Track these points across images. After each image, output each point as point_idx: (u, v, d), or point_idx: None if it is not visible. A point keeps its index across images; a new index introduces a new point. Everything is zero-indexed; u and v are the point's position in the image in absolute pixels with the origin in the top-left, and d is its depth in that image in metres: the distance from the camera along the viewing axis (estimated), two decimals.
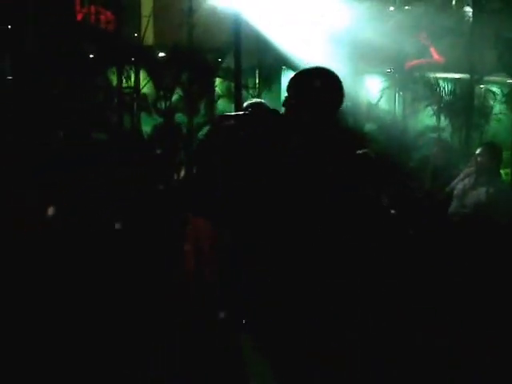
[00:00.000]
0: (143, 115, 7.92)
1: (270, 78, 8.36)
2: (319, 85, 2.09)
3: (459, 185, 4.15)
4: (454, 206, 4.11)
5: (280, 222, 2.07)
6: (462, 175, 4.22)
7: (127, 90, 7.53)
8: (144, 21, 7.31)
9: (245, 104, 3.17)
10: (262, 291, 2.10)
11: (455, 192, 4.16)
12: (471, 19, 7.98)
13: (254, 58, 7.84)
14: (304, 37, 7.60)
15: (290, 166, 2.06)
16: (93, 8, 7.36)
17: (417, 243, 3.79)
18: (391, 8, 7.81)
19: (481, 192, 3.90)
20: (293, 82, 2.14)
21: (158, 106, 7.72)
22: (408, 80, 8.50)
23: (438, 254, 3.72)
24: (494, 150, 4.03)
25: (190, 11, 7.05)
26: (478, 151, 4.07)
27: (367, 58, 8.26)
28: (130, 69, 7.42)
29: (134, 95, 7.40)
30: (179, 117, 7.84)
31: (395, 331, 2.99)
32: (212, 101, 7.73)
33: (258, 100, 3.40)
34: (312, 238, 2.03)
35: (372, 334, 2.22)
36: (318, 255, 2.03)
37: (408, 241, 3.82)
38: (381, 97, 8.62)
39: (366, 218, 2.23)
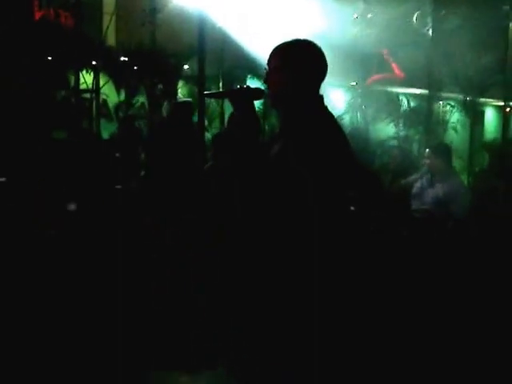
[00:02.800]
0: (103, 121, 7.76)
1: (234, 86, 8.33)
2: (305, 55, 1.98)
3: (417, 183, 4.20)
4: (414, 204, 4.15)
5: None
6: (418, 174, 4.27)
7: (86, 96, 7.34)
8: (106, 18, 7.17)
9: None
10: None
11: (414, 191, 4.21)
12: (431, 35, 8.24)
13: (218, 63, 7.81)
14: (269, 46, 7.60)
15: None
16: (52, 8, 7.17)
17: (410, 244, 3.74)
18: (355, 16, 7.96)
19: (438, 189, 3.96)
20: (276, 52, 2.01)
21: (120, 113, 7.57)
22: (370, 94, 8.67)
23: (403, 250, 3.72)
24: (440, 149, 4.12)
25: (153, 11, 6.98)
26: (425, 154, 4.16)
27: (331, 70, 8.33)
28: (90, 70, 7.24)
29: (93, 95, 7.22)
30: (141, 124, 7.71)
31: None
32: None
33: None
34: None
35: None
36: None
37: (401, 242, 3.78)
38: (347, 109, 8.75)
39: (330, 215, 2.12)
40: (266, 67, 2.06)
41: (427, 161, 4.07)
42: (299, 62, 1.96)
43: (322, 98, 2.02)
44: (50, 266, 3.91)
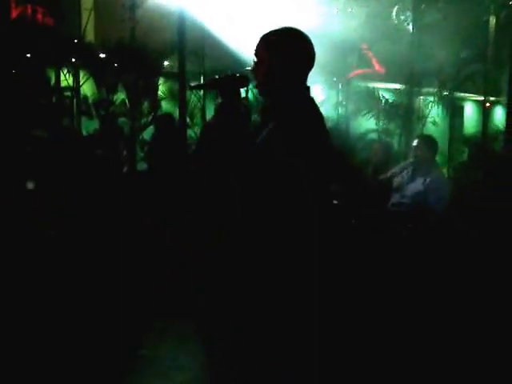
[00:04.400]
0: (84, 120, 7.67)
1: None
2: (294, 42, 1.95)
3: (398, 177, 4.23)
4: (394, 197, 4.18)
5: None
6: (398, 168, 4.29)
7: (67, 93, 7.24)
8: (85, 14, 7.09)
9: None
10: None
11: (395, 185, 4.23)
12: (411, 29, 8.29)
13: (199, 59, 7.76)
14: (250, 41, 7.55)
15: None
16: (29, 6, 7.06)
17: (410, 245, 3.75)
18: (335, 10, 7.99)
19: (419, 182, 4.00)
20: (265, 41, 1.97)
21: (100, 110, 7.48)
22: (351, 89, 8.70)
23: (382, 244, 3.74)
24: (429, 140, 4.16)
25: (133, 7, 6.92)
26: (414, 143, 4.19)
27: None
28: (70, 69, 7.14)
29: (73, 93, 7.13)
30: (122, 122, 7.63)
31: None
32: (155, 101, 7.56)
33: None
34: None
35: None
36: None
37: (401, 242, 3.79)
38: (327, 104, 8.76)
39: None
40: (255, 58, 2.01)
41: (416, 151, 4.09)
42: (289, 49, 1.94)
43: (308, 88, 2.01)
44: (49, 267, 3.87)
